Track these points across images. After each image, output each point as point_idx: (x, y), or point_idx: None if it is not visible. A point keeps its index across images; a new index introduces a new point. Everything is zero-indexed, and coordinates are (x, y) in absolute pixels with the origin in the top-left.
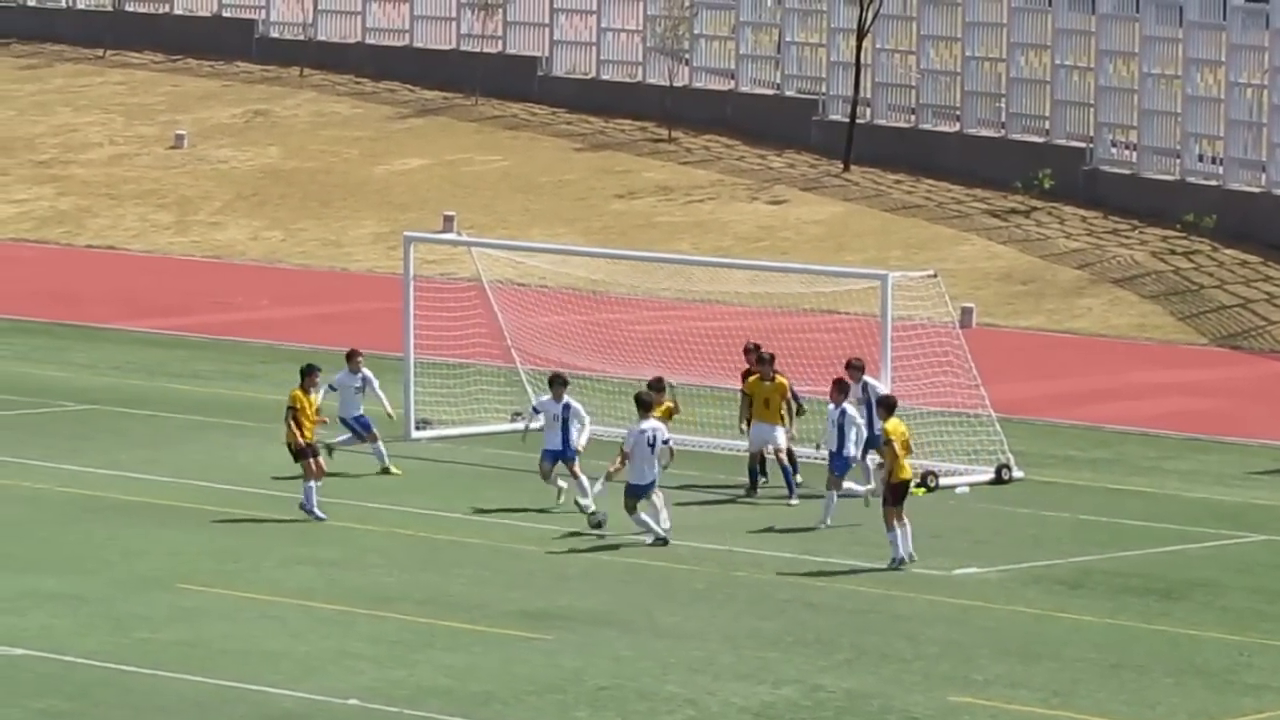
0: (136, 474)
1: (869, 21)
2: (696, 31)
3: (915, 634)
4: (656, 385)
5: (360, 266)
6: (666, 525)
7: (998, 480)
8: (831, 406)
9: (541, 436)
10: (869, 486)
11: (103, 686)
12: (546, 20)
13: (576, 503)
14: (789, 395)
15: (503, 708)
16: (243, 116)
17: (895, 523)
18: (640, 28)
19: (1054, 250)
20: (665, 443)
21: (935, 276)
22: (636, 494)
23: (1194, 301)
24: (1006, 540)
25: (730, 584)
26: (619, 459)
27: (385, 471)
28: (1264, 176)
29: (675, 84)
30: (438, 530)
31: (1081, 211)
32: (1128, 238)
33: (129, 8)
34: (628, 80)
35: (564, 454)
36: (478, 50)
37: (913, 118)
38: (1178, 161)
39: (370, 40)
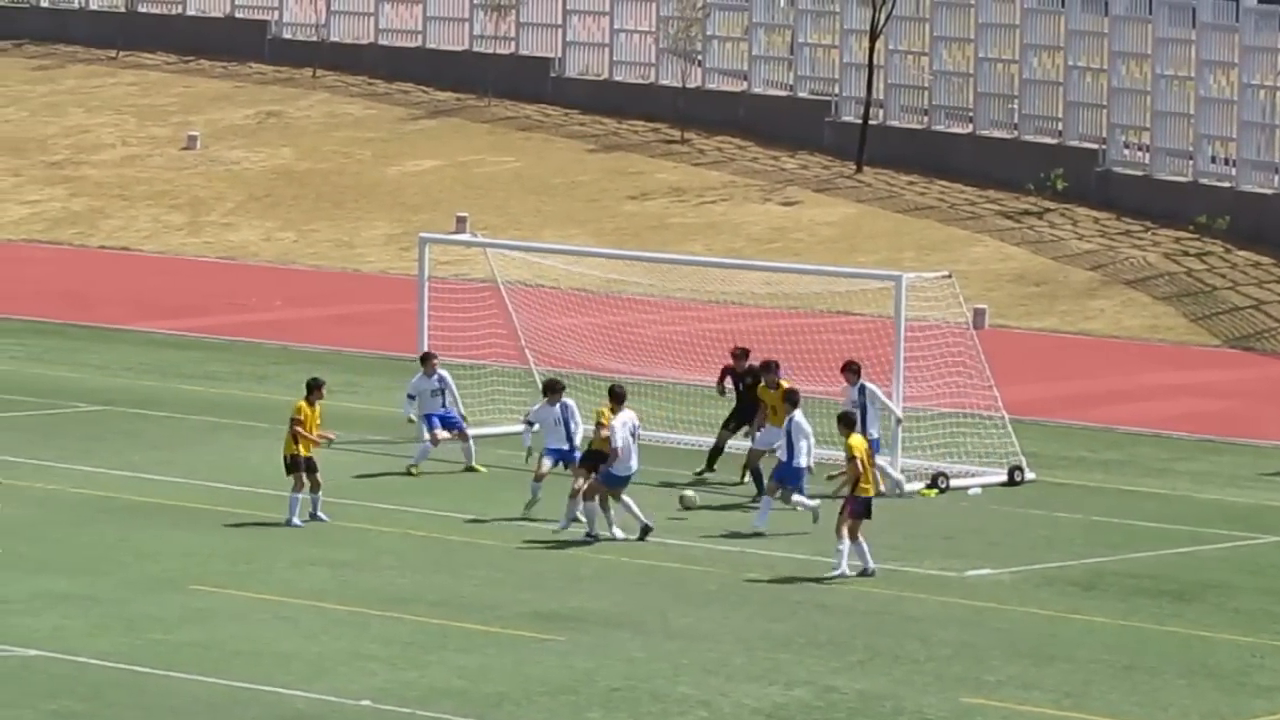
0: (149, 475)
1: (882, 23)
2: (709, 33)
3: (928, 635)
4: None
5: (373, 267)
6: (619, 533)
7: (1010, 481)
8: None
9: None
10: (817, 503)
11: (115, 687)
12: (559, 21)
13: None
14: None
15: (515, 709)
16: (255, 117)
17: (851, 536)
18: (653, 29)
19: (1067, 252)
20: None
21: (950, 277)
22: (611, 483)
23: (1206, 303)
24: (1019, 542)
25: (743, 585)
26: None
27: (470, 469)
28: (1276, 178)
29: (688, 85)
30: (451, 531)
31: (1094, 213)
32: (1140, 239)
33: (141, 9)
34: (640, 81)
35: (569, 454)
36: (490, 51)
37: (925, 119)
38: (1190, 163)
39: (383, 41)
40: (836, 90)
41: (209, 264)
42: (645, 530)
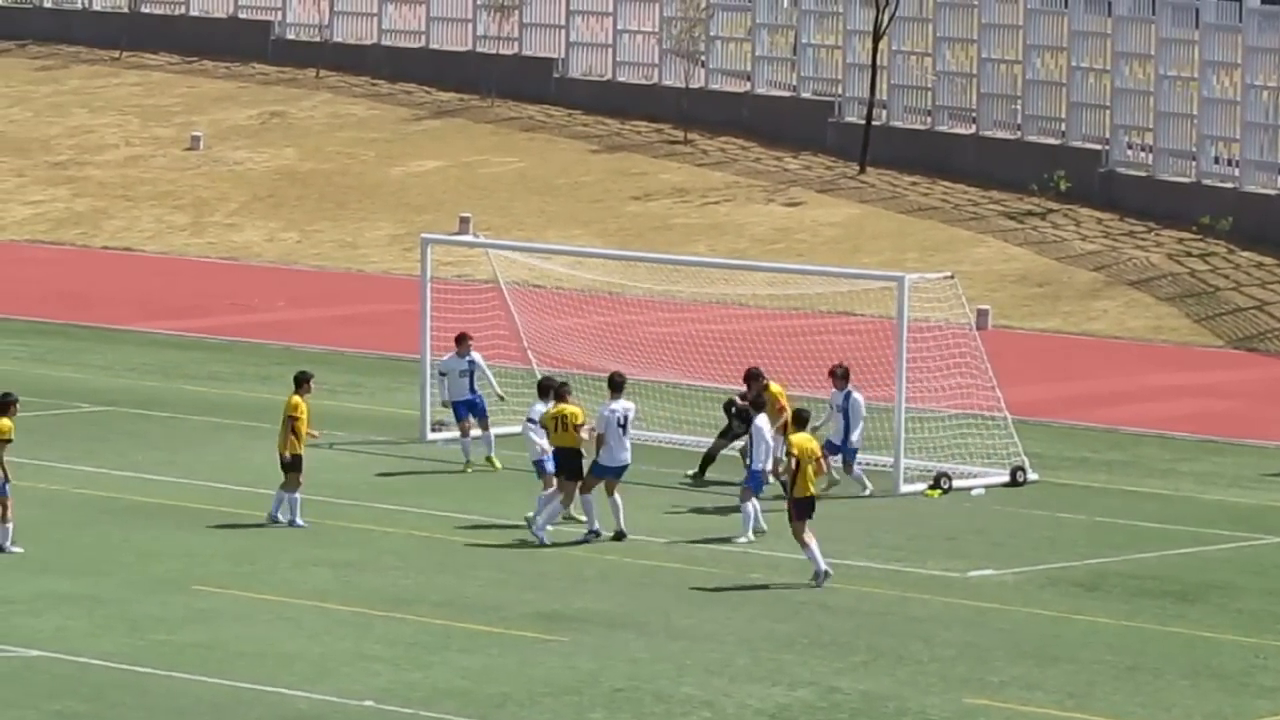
0: (152, 475)
1: (885, 23)
2: (712, 33)
3: (931, 636)
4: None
5: (376, 268)
6: (596, 525)
7: (1013, 482)
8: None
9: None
10: (756, 515)
11: (118, 688)
12: (563, 22)
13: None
14: (781, 405)
15: (519, 709)
16: (259, 118)
17: (803, 539)
18: (656, 29)
19: (1070, 252)
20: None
21: (953, 278)
22: (601, 474)
23: (1210, 304)
24: (1022, 542)
25: (746, 586)
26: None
27: (488, 461)
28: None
29: (691, 86)
30: (454, 532)
31: (1097, 213)
32: (1143, 240)
33: (145, 9)
34: (644, 82)
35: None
36: (494, 52)
37: (929, 120)
38: (1194, 163)
39: (386, 42)
40: (840, 91)
41: (212, 264)
42: (618, 535)
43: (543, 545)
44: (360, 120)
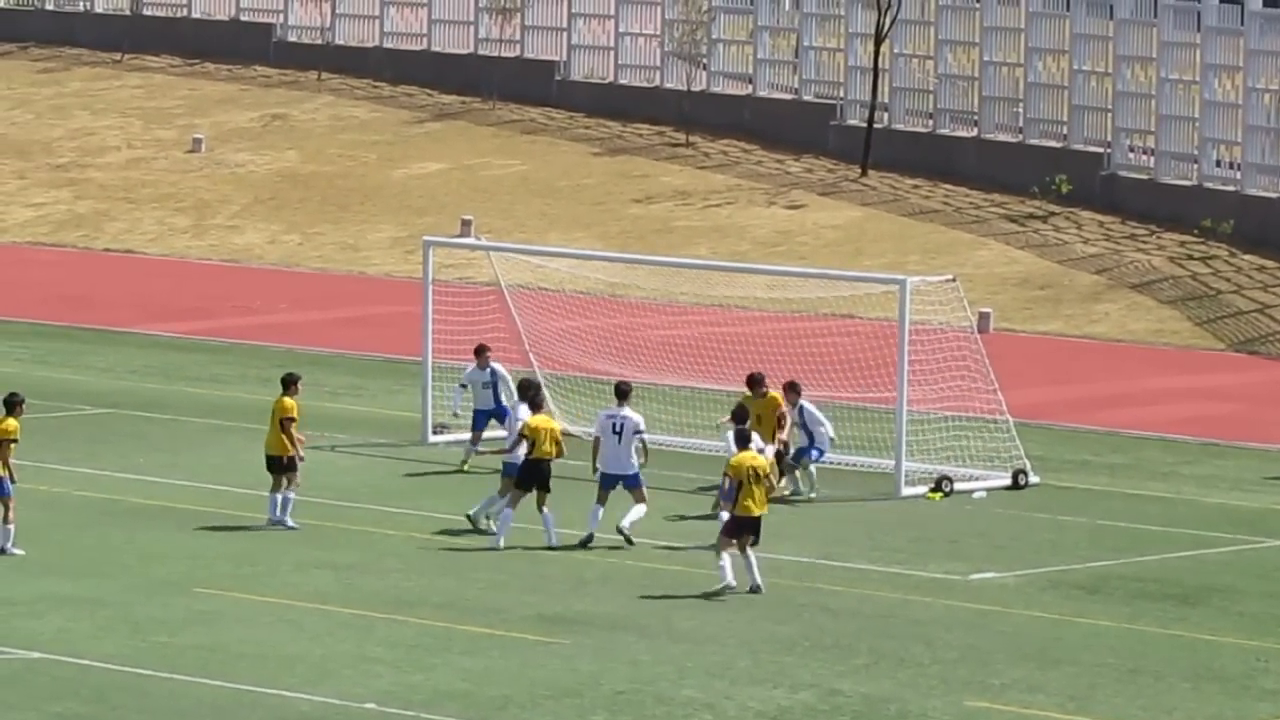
0: (154, 478)
1: (887, 26)
2: (714, 36)
3: (932, 639)
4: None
5: (377, 270)
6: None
7: (1014, 485)
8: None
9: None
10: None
11: (119, 690)
12: (564, 25)
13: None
14: (779, 411)
15: (520, 712)
16: (260, 120)
17: (720, 548)
18: (658, 32)
19: (1071, 255)
20: (637, 433)
21: (954, 281)
22: (604, 484)
23: (1211, 306)
24: (1023, 545)
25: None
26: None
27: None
28: None
29: (693, 88)
30: (455, 534)
31: (1099, 216)
32: (1145, 243)
33: (147, 12)
34: (645, 85)
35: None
36: (495, 54)
37: (930, 122)
38: (1195, 167)
39: (388, 44)
40: (841, 93)
41: (214, 267)
42: (586, 540)
43: (484, 534)
44: (362, 123)
